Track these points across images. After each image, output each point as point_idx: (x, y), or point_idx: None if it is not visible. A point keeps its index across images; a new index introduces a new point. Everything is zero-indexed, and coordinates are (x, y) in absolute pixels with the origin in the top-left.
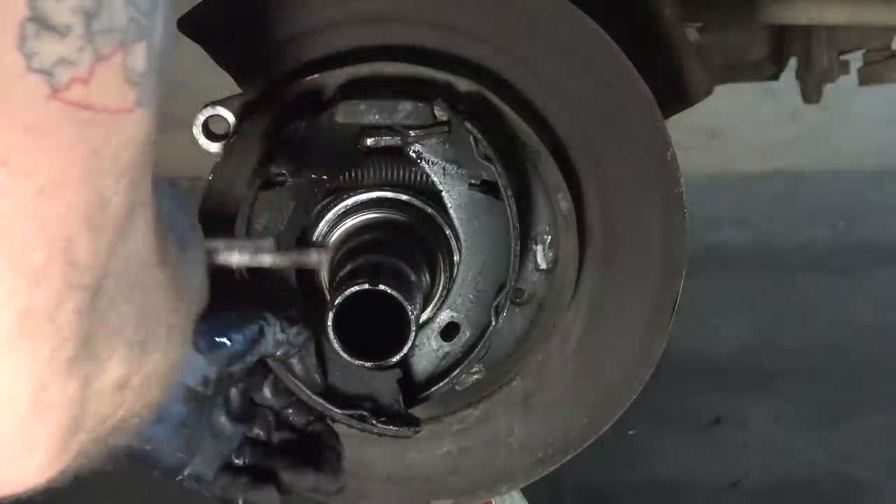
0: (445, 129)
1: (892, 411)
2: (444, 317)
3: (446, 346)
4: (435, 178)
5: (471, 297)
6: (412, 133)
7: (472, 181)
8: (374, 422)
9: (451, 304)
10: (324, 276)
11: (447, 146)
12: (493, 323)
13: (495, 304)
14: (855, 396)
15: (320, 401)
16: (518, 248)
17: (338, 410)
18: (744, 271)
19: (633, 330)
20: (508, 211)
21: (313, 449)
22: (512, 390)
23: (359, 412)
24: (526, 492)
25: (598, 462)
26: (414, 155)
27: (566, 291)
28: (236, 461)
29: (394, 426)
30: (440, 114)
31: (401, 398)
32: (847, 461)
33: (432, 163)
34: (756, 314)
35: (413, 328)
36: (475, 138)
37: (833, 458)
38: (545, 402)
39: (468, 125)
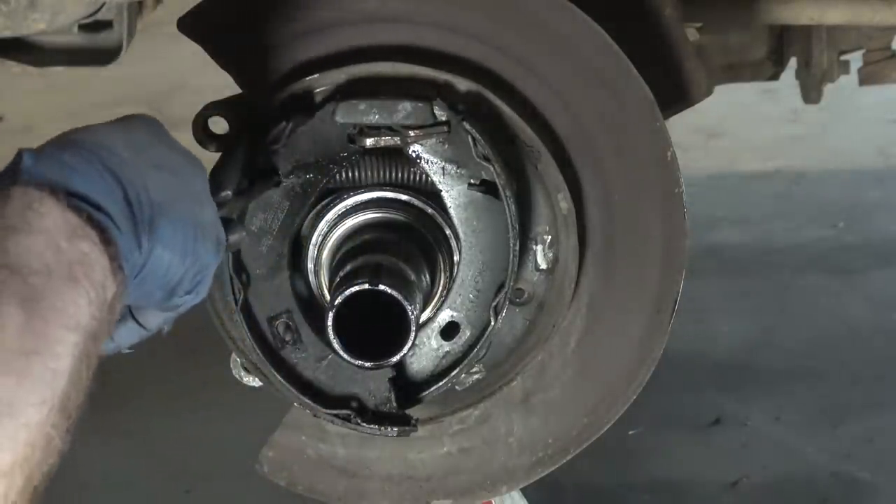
0: (445, 129)
1: (892, 411)
2: (444, 316)
3: (446, 346)
4: (434, 178)
5: (471, 296)
6: (412, 133)
7: (472, 181)
8: (360, 421)
9: (452, 303)
10: (323, 278)
11: (446, 146)
12: (492, 322)
13: (494, 303)
14: (855, 396)
15: (306, 399)
16: (517, 247)
17: (323, 409)
18: (744, 271)
19: (633, 330)
20: (507, 211)
21: None
22: (512, 390)
23: (344, 412)
24: (526, 492)
25: (598, 462)
26: (413, 155)
27: (566, 291)
28: None
29: (380, 426)
30: (440, 114)
31: (393, 397)
32: (847, 461)
33: (432, 163)
34: (756, 314)
35: (413, 328)
36: (473, 138)
37: (833, 458)
38: (545, 402)
39: (466, 125)
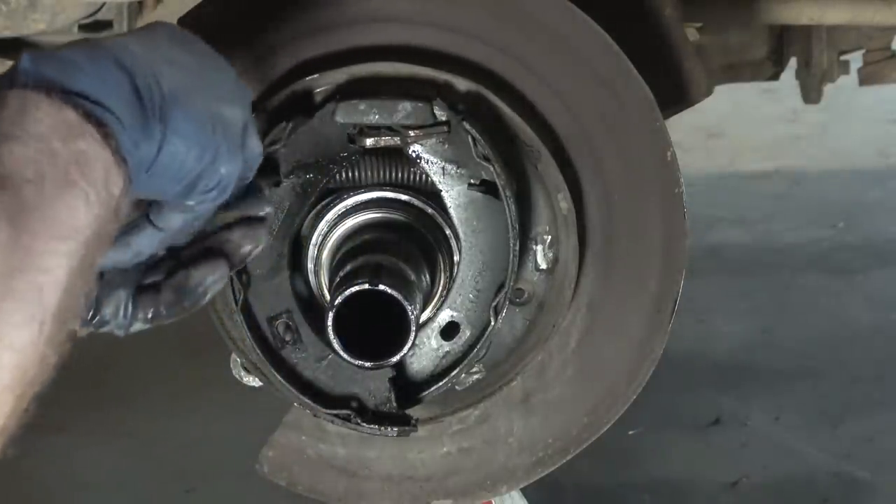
0: (445, 129)
1: (893, 411)
2: (445, 316)
3: (446, 346)
4: (434, 178)
5: (471, 296)
6: (412, 133)
7: (472, 181)
8: (360, 421)
9: (452, 303)
10: (323, 278)
11: (446, 146)
12: (492, 322)
13: (494, 303)
14: (855, 396)
15: (306, 399)
16: (517, 247)
17: (323, 409)
18: (744, 271)
19: (633, 330)
20: (507, 211)
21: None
22: (512, 390)
23: (344, 412)
24: (526, 492)
25: (598, 462)
26: (413, 155)
27: (566, 291)
28: (151, 279)
29: (380, 426)
30: (440, 114)
31: (393, 397)
32: (847, 461)
33: (432, 163)
34: (756, 314)
35: (413, 328)
36: (473, 138)
37: (833, 458)
38: (545, 402)
39: (466, 125)
